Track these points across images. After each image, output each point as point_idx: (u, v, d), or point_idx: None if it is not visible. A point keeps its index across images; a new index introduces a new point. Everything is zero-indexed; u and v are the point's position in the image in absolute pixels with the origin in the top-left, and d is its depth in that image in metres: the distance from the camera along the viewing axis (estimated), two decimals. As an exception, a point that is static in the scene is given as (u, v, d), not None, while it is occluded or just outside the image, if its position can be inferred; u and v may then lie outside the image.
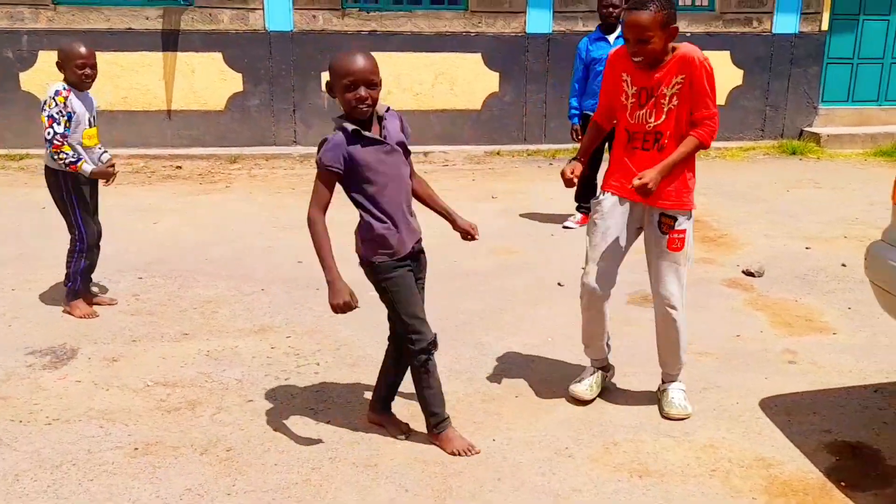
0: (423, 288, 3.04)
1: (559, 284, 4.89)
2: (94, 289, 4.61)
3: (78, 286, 4.32)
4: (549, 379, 3.60)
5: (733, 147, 10.01)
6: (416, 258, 2.97)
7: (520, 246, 5.79)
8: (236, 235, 6.00)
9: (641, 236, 3.29)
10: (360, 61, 2.72)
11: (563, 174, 3.24)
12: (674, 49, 3.08)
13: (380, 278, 2.89)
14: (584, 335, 3.42)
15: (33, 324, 4.21)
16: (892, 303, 2.85)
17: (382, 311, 2.99)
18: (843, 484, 2.74)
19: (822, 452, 2.96)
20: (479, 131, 9.91)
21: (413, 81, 9.59)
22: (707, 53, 3.12)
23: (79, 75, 4.08)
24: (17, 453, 2.94)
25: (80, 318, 4.24)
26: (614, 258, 3.22)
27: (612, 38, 6.10)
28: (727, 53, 10.09)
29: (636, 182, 2.99)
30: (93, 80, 4.16)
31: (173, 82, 9.36)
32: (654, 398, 3.40)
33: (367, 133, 2.78)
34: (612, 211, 3.20)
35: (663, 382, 3.40)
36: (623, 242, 3.22)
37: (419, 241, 2.97)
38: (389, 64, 9.40)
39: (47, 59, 8.60)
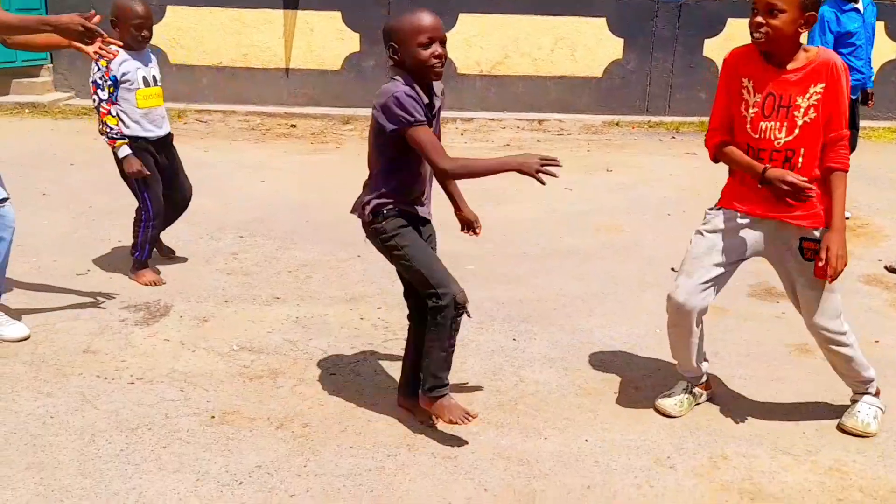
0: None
1: (672, 269, 4.49)
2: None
3: (145, 255, 4.20)
4: (654, 376, 3.29)
5: (880, 127, 9.12)
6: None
7: (630, 224, 5.41)
8: (340, 199, 5.81)
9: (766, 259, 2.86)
10: (431, 17, 2.57)
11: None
12: (807, 50, 2.63)
13: (388, 235, 2.78)
14: (672, 350, 3.03)
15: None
16: None
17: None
18: None
19: (974, 491, 2.52)
20: (598, 100, 9.44)
21: (532, 46, 9.18)
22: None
23: (134, 36, 3.90)
24: (96, 412, 2.91)
25: (146, 285, 4.10)
26: (714, 278, 2.78)
27: (860, 5, 5.13)
28: None
29: (830, 272, 2.58)
30: (148, 41, 3.99)
31: (293, 41, 9.37)
32: (772, 408, 3.03)
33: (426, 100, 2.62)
34: (727, 228, 2.78)
35: (854, 394, 2.99)
36: (728, 265, 2.79)
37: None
38: (507, 27, 8.97)
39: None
